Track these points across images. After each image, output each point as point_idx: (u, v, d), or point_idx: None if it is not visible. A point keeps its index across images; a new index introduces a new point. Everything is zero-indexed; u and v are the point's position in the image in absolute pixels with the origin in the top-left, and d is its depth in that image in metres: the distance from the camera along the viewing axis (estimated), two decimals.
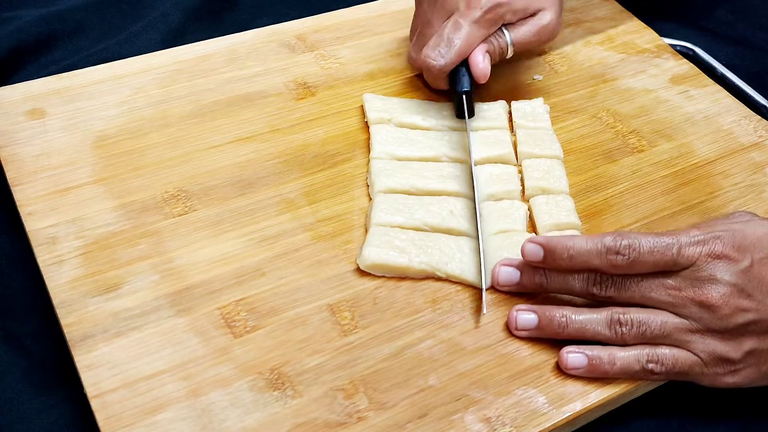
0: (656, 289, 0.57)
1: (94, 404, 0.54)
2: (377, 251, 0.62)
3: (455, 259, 0.63)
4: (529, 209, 0.68)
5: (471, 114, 0.72)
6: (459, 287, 0.63)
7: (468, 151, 0.70)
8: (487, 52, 0.72)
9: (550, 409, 0.57)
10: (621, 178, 0.72)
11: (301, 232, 0.65)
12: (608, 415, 0.59)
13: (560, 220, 0.67)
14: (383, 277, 0.63)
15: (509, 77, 0.81)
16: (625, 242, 0.56)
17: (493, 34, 0.72)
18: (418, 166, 0.69)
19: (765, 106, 0.82)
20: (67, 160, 0.68)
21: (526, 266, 0.61)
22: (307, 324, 0.59)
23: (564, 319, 0.58)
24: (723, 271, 0.56)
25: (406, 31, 0.83)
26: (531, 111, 0.76)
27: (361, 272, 0.63)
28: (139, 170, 0.68)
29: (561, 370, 0.58)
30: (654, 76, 0.83)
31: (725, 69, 0.86)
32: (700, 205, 0.71)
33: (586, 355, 0.58)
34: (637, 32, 0.88)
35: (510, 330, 0.60)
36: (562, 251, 0.58)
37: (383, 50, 0.82)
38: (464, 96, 0.71)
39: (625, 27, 0.88)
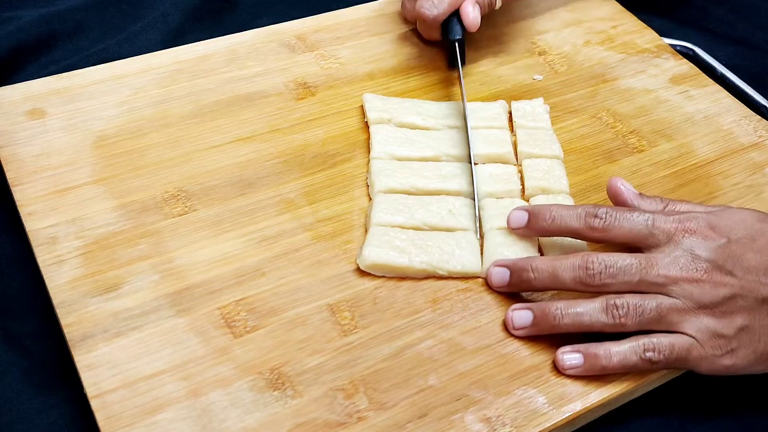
0: (648, 272, 0.58)
1: (94, 404, 0.54)
2: (377, 251, 0.62)
3: (455, 255, 0.63)
4: None
5: (463, 62, 0.77)
6: (459, 287, 0.63)
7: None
8: (477, 2, 0.77)
9: (550, 409, 0.56)
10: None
11: (301, 232, 0.65)
12: (608, 415, 0.59)
13: None
14: (383, 277, 0.63)
15: (509, 77, 0.81)
16: (603, 209, 0.60)
17: None
18: (418, 166, 0.69)
19: (765, 106, 0.82)
20: (67, 160, 0.68)
21: (515, 265, 0.61)
22: (307, 324, 0.59)
23: (559, 312, 0.58)
24: (701, 248, 0.58)
25: (407, 32, 0.83)
26: (531, 111, 0.76)
27: (361, 272, 0.63)
28: (139, 170, 0.68)
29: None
30: (654, 76, 0.83)
31: (725, 69, 0.86)
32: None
33: (582, 353, 0.58)
34: (637, 32, 0.88)
35: (508, 330, 0.60)
36: (544, 213, 0.61)
37: (383, 50, 0.82)
38: (456, 44, 0.76)
39: (625, 27, 0.88)
